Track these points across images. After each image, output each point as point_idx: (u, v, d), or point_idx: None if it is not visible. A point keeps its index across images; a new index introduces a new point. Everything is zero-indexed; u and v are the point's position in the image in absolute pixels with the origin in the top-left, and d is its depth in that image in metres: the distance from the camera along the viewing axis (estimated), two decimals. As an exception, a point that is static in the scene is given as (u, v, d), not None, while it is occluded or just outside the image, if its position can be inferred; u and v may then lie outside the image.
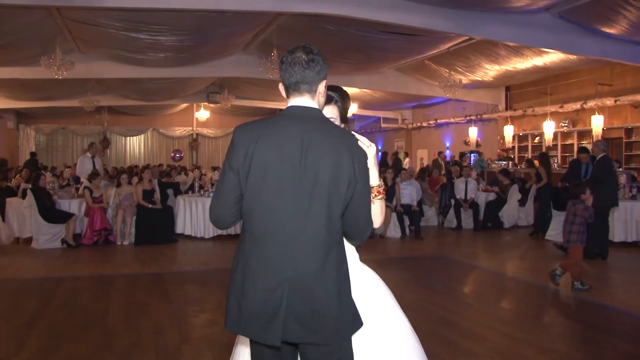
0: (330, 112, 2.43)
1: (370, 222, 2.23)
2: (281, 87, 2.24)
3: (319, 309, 2.03)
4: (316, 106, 2.20)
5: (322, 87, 2.21)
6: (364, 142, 2.25)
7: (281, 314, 2.02)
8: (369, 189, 2.20)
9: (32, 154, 17.66)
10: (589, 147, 10.23)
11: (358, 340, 2.22)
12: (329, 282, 2.05)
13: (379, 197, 2.36)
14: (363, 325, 2.15)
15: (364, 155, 2.16)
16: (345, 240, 2.26)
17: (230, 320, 2.14)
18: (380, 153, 25.22)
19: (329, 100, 2.42)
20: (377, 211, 2.36)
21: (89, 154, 12.38)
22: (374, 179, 2.31)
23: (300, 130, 2.09)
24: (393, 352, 2.33)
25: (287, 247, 2.05)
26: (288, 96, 2.21)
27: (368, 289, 2.40)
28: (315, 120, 2.16)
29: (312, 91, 2.19)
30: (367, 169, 2.17)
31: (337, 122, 2.45)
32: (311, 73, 2.16)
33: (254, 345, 2.18)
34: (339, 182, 2.07)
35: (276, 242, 2.06)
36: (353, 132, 2.28)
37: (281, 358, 2.16)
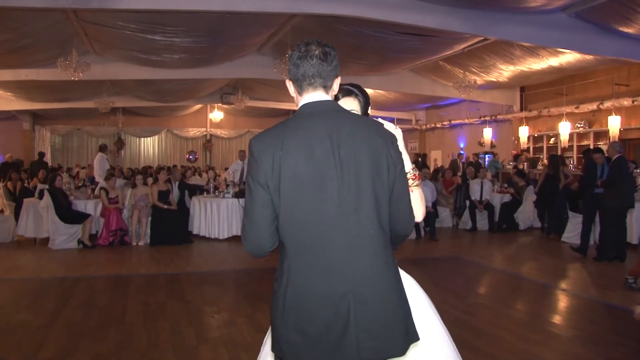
0: (351, 105, 2.32)
1: (413, 214, 2.04)
2: (290, 84, 2.07)
3: (389, 318, 1.86)
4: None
5: (335, 85, 2.06)
6: (389, 126, 2.14)
7: (351, 330, 1.82)
8: (405, 174, 2.04)
9: (41, 155, 17.79)
10: (604, 147, 10.13)
11: None
12: (391, 286, 1.90)
13: (415, 182, 2.19)
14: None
15: (394, 138, 2.02)
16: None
17: (292, 352, 1.86)
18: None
19: (348, 93, 2.34)
20: (417, 200, 2.18)
21: (104, 155, 12.50)
22: (407, 163, 2.15)
23: (325, 125, 1.92)
24: None
25: (342, 254, 1.86)
26: (301, 92, 2.03)
27: (410, 298, 2.16)
28: (339, 112, 2.00)
29: (328, 87, 2.02)
30: (400, 153, 2.02)
31: None
32: (328, 67, 1.99)
33: None
34: (381, 169, 1.91)
35: (329, 251, 1.86)
36: (374, 118, 2.15)
37: None
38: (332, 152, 1.88)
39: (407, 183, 2.05)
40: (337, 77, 2.05)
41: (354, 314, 1.82)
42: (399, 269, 2.22)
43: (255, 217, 1.90)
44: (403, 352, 1.89)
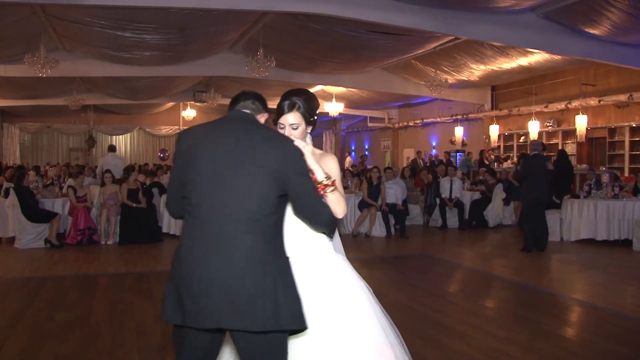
0: (293, 119, 2.62)
1: (321, 210, 2.39)
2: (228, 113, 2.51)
3: (234, 297, 2.17)
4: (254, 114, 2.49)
5: (262, 119, 2.52)
6: (299, 143, 2.42)
7: (201, 298, 2.19)
8: (309, 180, 2.37)
9: None
10: (573, 146, 10.36)
11: (317, 335, 2.41)
12: (247, 273, 2.18)
13: (329, 190, 2.52)
14: (303, 325, 2.26)
15: (294, 152, 2.34)
16: (316, 232, 2.55)
17: (165, 307, 2.38)
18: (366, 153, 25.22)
19: (291, 107, 2.62)
20: (334, 201, 2.53)
21: (116, 154, 12.49)
22: (319, 175, 2.50)
23: (234, 129, 2.36)
24: (357, 349, 2.44)
25: (216, 238, 2.23)
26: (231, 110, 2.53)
27: (336, 284, 2.56)
28: (250, 122, 2.43)
29: (255, 112, 2.49)
30: (301, 164, 2.34)
31: (302, 127, 2.64)
32: (254, 105, 2.50)
33: (184, 331, 2.39)
34: (267, 174, 2.24)
35: (209, 233, 2.24)
36: (289, 135, 2.56)
37: (207, 343, 2.37)
38: (231, 150, 2.28)
39: (309, 187, 2.35)
40: (264, 114, 2.53)
41: (205, 286, 2.18)
42: (339, 258, 2.68)
43: (169, 189, 2.51)
44: (246, 329, 2.17)
